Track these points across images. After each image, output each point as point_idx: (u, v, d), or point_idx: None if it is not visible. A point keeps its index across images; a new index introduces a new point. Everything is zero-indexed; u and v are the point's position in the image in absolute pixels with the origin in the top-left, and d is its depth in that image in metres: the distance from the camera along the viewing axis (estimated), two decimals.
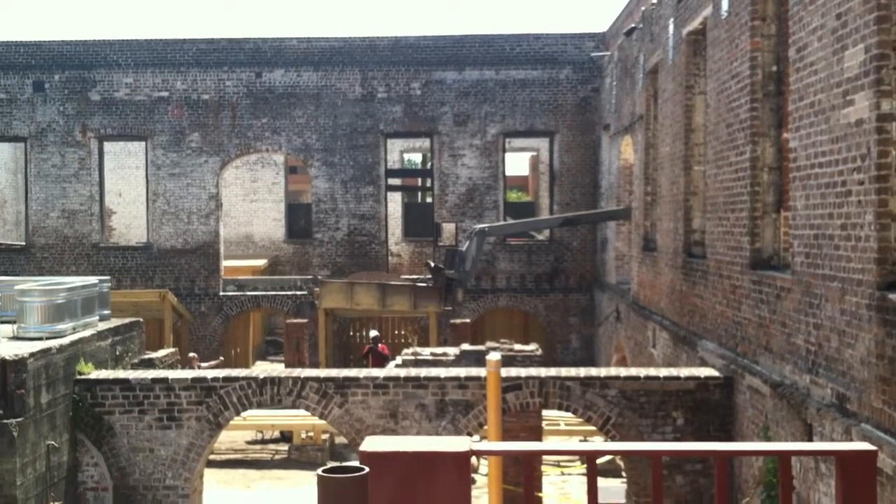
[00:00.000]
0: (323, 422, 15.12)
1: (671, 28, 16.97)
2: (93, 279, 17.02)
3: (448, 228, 28.55)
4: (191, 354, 23.48)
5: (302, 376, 13.96)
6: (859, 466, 4.33)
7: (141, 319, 18.12)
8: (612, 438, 13.52)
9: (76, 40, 29.23)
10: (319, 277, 26.86)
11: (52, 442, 13.45)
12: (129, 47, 28.99)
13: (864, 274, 8.47)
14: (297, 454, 21.53)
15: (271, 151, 30.65)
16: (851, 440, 8.48)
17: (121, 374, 14.52)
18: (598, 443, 19.60)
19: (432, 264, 24.33)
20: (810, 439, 9.60)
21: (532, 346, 18.23)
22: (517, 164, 47.17)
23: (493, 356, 13.36)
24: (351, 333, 29.49)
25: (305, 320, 25.95)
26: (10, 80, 28.85)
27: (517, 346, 17.96)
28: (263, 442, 23.11)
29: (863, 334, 8.50)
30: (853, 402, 8.74)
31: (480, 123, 28.68)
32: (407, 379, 13.75)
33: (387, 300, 24.43)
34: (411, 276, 27.42)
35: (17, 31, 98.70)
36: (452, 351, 17.73)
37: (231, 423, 15.04)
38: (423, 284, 24.69)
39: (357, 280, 25.76)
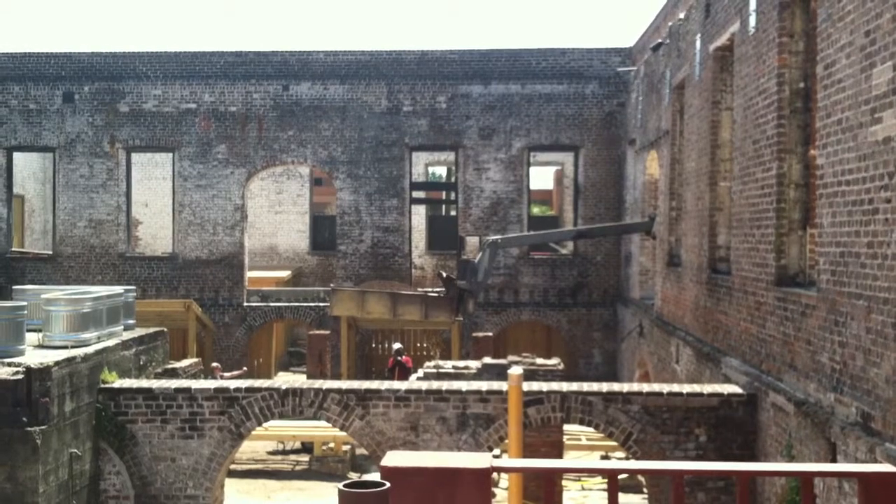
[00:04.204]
0: (344, 433, 15.13)
1: (698, 44, 16.94)
2: (118, 289, 17.15)
3: (472, 242, 28.54)
4: (214, 364, 23.58)
5: (324, 388, 13.98)
6: (882, 489, 4.28)
7: (165, 329, 18.22)
8: (634, 454, 13.45)
9: (106, 52, 29.52)
10: (333, 286, 26.93)
11: (75, 450, 13.53)
12: (158, 59, 29.24)
13: (890, 292, 8.40)
14: (318, 465, 21.54)
15: (297, 164, 30.78)
16: (876, 459, 8.40)
17: (144, 383, 14.60)
18: (619, 460, 19.50)
19: (444, 275, 24.37)
20: (834, 458, 9.51)
21: (554, 361, 18.19)
22: (542, 178, 47.18)
23: (515, 370, 13.33)
24: (373, 345, 29.52)
25: (328, 332, 26.01)
26: (41, 90, 29.17)
27: (539, 361, 17.93)
28: (284, 452, 23.14)
29: (888, 353, 8.42)
30: (878, 422, 8.66)
31: (505, 137, 28.69)
32: (428, 392, 13.74)
33: (398, 309, 24.45)
34: (426, 289, 27.44)
35: (48, 43, 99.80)
36: (474, 364, 17.72)
37: (252, 433, 15.07)
38: (435, 294, 24.71)
39: (368, 289, 25.82)
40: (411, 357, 26.90)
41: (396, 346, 25.45)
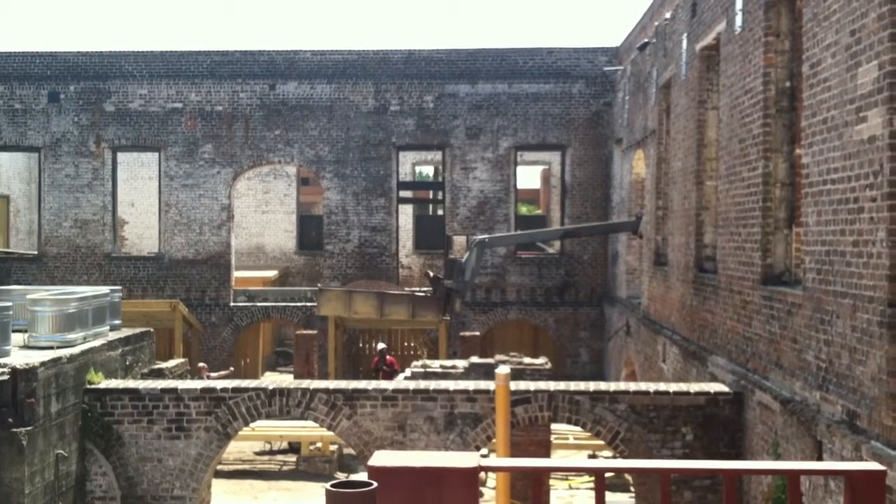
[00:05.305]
0: (331, 433, 15.11)
1: (684, 43, 16.98)
2: (104, 289, 17.07)
3: (459, 241, 28.55)
4: (200, 364, 23.51)
5: (311, 388, 13.96)
6: (868, 486, 4.30)
7: (151, 329, 18.15)
8: (621, 453, 13.48)
9: (92, 51, 29.41)
10: (320, 286, 26.89)
11: (61, 451, 13.47)
12: (144, 59, 29.14)
13: (875, 291, 8.44)
14: (306, 465, 21.50)
15: (284, 163, 30.74)
16: (861, 457, 8.44)
17: (130, 383, 14.55)
18: (606, 459, 19.55)
19: (431, 274, 24.38)
20: (820, 456, 9.55)
21: (541, 360, 18.21)
22: (529, 177, 47.23)
23: (503, 369, 13.33)
24: (360, 345, 29.49)
25: (315, 331, 25.98)
26: (26, 90, 29.03)
27: (526, 360, 17.94)
28: (271, 453, 23.09)
29: (874, 351, 8.46)
30: (863, 419, 8.70)
31: (492, 137, 28.71)
32: (416, 391, 13.74)
33: (385, 309, 24.43)
34: (413, 288, 27.46)
35: (33, 42, 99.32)
36: (462, 364, 17.72)
37: (239, 433, 15.04)
38: (422, 294, 24.71)
39: (356, 288, 25.79)
40: (399, 356, 26.92)
41: (381, 346, 25.43)
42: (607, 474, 5.01)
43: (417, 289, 26.88)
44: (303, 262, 38.90)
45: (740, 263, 13.07)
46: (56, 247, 29.15)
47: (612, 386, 14.01)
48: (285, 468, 21.90)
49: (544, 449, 16.58)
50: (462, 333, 25.74)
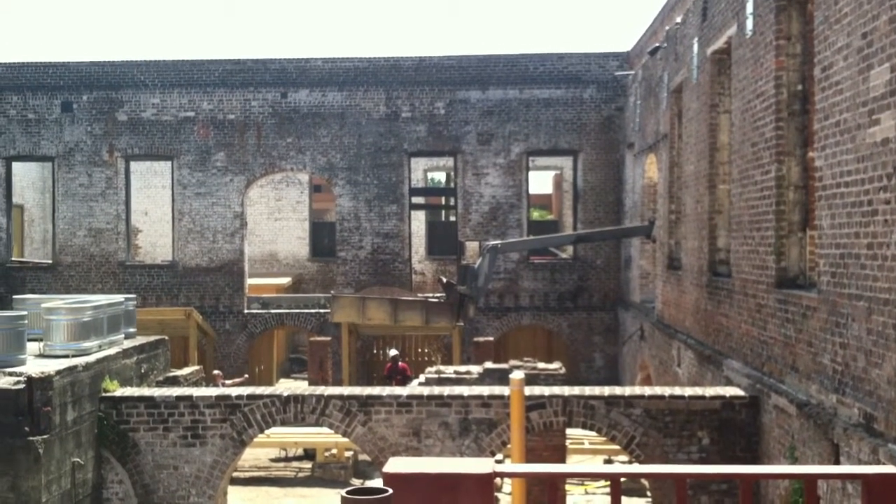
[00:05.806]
0: (346, 439, 15.13)
1: (695, 47, 16.96)
2: (119, 297, 17.15)
3: (471, 247, 28.55)
4: (215, 372, 23.57)
5: (325, 394, 13.98)
6: (886, 490, 4.29)
7: (166, 337, 18.22)
8: (637, 458, 13.45)
9: (104, 61, 29.55)
10: (333, 293, 26.92)
11: (78, 459, 13.52)
12: (157, 68, 29.27)
13: (890, 293, 8.41)
14: (321, 472, 21.52)
15: (296, 170, 30.81)
16: (879, 460, 8.40)
17: (146, 391, 14.60)
18: (622, 464, 19.50)
19: (444, 280, 24.35)
20: (837, 460, 9.52)
21: (556, 365, 18.18)
22: (541, 182, 47.19)
23: (517, 375, 13.31)
24: (375, 351, 29.51)
25: (329, 338, 26.01)
26: (39, 100, 29.18)
27: (541, 365, 17.92)
28: (287, 459, 23.12)
29: (890, 354, 8.43)
30: (880, 422, 8.66)
31: (504, 142, 28.71)
32: (430, 397, 13.74)
33: (399, 315, 24.42)
34: (427, 295, 27.46)
35: (46, 52, 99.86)
36: (476, 369, 17.71)
37: (255, 440, 15.07)
38: (436, 300, 24.70)
39: (369, 295, 25.79)
40: (413, 363, 26.89)
41: (393, 352, 25.43)
42: (623, 479, 5.00)
43: (431, 295, 26.90)
44: (316, 268, 38.96)
45: (754, 267, 13.04)
46: (70, 256, 29.28)
47: (627, 390, 13.98)
48: (301, 475, 21.92)
49: (559, 454, 16.55)
50: (476, 339, 25.72)
